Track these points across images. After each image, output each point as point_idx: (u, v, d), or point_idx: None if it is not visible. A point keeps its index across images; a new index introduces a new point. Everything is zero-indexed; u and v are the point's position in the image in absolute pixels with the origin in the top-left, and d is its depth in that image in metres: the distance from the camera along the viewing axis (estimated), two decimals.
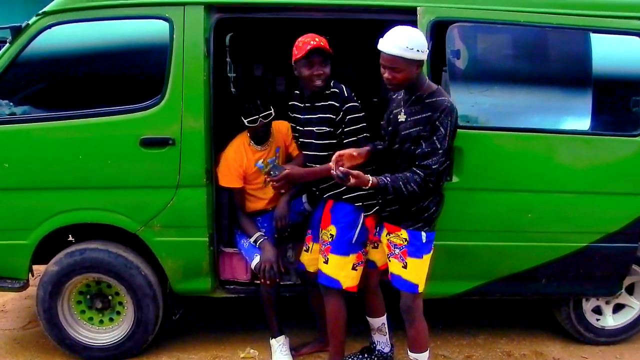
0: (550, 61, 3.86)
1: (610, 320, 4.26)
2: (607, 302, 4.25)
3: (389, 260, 3.36)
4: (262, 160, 3.80)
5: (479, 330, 4.46)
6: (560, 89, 3.80)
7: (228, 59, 5.52)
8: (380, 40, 3.05)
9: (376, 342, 3.88)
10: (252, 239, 3.75)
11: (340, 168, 3.04)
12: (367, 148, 3.31)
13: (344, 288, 3.52)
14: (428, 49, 3.08)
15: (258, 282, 3.85)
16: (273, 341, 3.93)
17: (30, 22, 3.59)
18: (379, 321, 3.81)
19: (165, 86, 3.57)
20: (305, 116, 3.56)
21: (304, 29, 3.62)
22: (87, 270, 3.78)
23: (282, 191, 3.68)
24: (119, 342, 3.89)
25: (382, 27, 3.46)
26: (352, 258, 3.50)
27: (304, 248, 3.76)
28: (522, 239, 3.83)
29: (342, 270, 3.49)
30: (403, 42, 2.98)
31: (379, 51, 3.07)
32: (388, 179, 3.09)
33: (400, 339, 3.98)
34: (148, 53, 3.72)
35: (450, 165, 3.43)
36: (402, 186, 3.06)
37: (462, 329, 4.48)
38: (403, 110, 3.19)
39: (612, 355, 4.17)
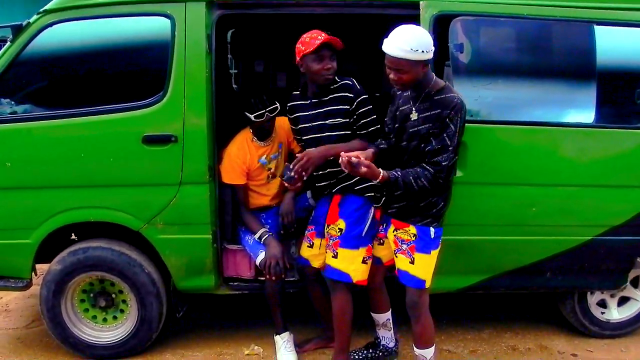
0: (553, 54, 3.83)
1: (616, 313, 4.25)
2: (612, 295, 4.24)
3: (396, 256, 3.35)
4: (265, 156, 3.80)
5: (483, 325, 4.45)
6: (564, 82, 3.78)
7: (230, 56, 5.51)
8: (385, 41, 3.02)
9: (381, 337, 3.87)
10: (256, 236, 3.75)
11: (353, 158, 3.02)
12: (371, 150, 3.28)
13: (354, 282, 3.51)
14: (433, 46, 3.05)
15: (262, 278, 3.86)
16: (277, 337, 3.93)
17: (31, 20, 3.58)
18: (384, 317, 3.80)
19: (167, 83, 3.55)
20: (313, 112, 3.54)
21: (305, 24, 3.61)
22: (91, 268, 3.77)
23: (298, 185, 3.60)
24: (123, 340, 3.89)
25: (384, 22, 3.47)
26: (362, 251, 3.50)
27: (307, 244, 3.74)
28: (526, 232, 3.82)
29: (353, 264, 3.49)
30: (407, 44, 2.94)
31: (382, 48, 3.04)
32: (399, 173, 3.09)
33: (404, 334, 3.98)
34: (150, 50, 3.71)
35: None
36: (413, 181, 3.06)
37: (467, 323, 4.47)
38: (414, 108, 3.17)
39: (617, 348, 4.16)
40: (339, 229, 3.50)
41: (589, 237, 3.84)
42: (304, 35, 3.42)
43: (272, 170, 3.86)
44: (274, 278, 3.67)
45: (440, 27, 3.55)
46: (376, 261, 3.57)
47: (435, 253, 3.29)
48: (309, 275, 3.82)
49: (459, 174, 3.55)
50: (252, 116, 3.63)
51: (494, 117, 3.71)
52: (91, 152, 3.59)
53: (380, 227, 3.50)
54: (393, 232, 3.36)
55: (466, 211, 3.67)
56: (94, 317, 3.92)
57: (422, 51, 2.96)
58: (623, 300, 4.28)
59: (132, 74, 3.75)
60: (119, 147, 3.60)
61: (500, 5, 3.58)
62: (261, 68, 5.73)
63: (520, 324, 4.48)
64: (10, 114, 3.66)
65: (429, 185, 3.07)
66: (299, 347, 3.99)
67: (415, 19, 3.49)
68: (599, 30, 3.65)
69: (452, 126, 3.04)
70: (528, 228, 3.81)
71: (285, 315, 3.91)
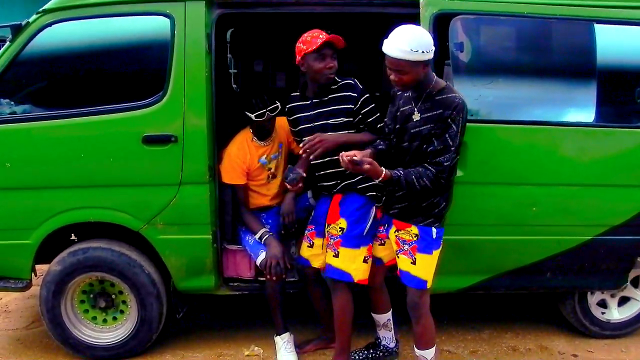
0: (554, 53, 3.83)
1: (616, 314, 4.25)
2: (613, 295, 4.23)
3: (398, 257, 3.34)
4: (265, 156, 3.79)
5: (483, 325, 4.44)
6: (565, 81, 3.77)
7: (229, 55, 5.50)
8: (385, 42, 3.01)
9: (381, 338, 3.87)
10: (257, 236, 3.74)
11: (354, 157, 3.02)
12: (369, 151, 3.26)
13: (355, 281, 3.51)
14: (434, 46, 3.04)
15: (262, 279, 3.85)
16: (277, 338, 3.92)
17: (30, 20, 3.57)
18: (385, 317, 3.80)
19: (167, 83, 3.55)
20: (315, 111, 3.54)
21: (304, 23, 3.61)
22: (90, 269, 3.76)
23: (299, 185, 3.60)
24: (123, 341, 3.87)
25: (384, 21, 3.46)
26: (363, 250, 3.50)
27: (307, 244, 3.73)
28: (526, 232, 3.81)
29: (354, 263, 3.48)
30: (407, 45, 2.93)
31: (382, 48, 3.03)
32: (401, 172, 3.09)
33: (404, 335, 3.97)
34: (149, 50, 3.70)
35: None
36: (415, 180, 3.05)
37: (467, 323, 4.46)
38: (416, 109, 3.16)
39: (617, 348, 4.15)
40: (340, 228, 3.49)
41: (590, 237, 3.83)
42: (305, 35, 3.41)
43: (272, 170, 3.86)
44: (274, 278, 3.66)
45: (440, 25, 3.54)
46: (377, 262, 3.57)
47: (436, 253, 3.29)
48: (308, 275, 3.82)
49: (459, 173, 3.53)
50: (252, 115, 3.63)
51: (495, 117, 3.71)
52: (91, 152, 3.59)
53: (382, 228, 3.49)
54: (395, 232, 3.35)
55: (466, 211, 3.66)
56: (94, 317, 3.91)
57: (423, 51, 2.95)
58: (623, 300, 4.28)
59: (131, 73, 3.74)
60: (119, 147, 3.59)
61: (501, 4, 3.57)
62: (260, 68, 5.72)
63: (520, 324, 4.47)
64: (9, 114, 3.65)
65: (431, 185, 3.06)
66: (299, 347, 3.98)
67: (415, 18, 3.50)
68: (599, 28, 3.64)
69: (454, 126, 3.04)
70: (528, 228, 3.80)
71: (285, 315, 3.90)
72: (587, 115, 3.71)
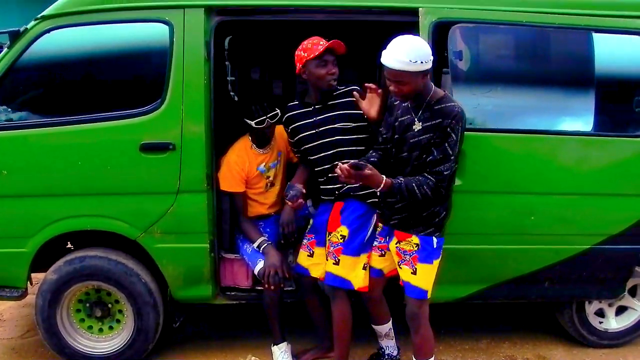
0: (552, 62, 3.84)
1: (613, 323, 4.24)
2: (610, 305, 4.23)
3: (400, 268, 3.33)
4: (264, 164, 3.79)
5: (481, 335, 4.43)
6: (563, 90, 3.78)
7: (227, 62, 5.49)
8: (383, 53, 3.01)
9: (384, 347, 3.85)
10: (255, 244, 3.73)
11: (355, 162, 3.03)
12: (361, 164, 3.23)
13: (356, 288, 3.50)
14: (432, 56, 3.04)
15: (259, 288, 3.84)
16: (275, 348, 3.89)
17: (28, 26, 3.56)
18: (386, 327, 3.79)
19: (166, 90, 3.53)
20: (319, 117, 3.55)
21: (302, 31, 3.61)
22: (87, 278, 3.73)
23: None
24: (119, 351, 3.84)
25: (382, 29, 3.46)
26: (363, 258, 3.50)
27: (307, 253, 3.72)
28: (525, 241, 3.80)
29: (354, 271, 3.48)
30: (406, 56, 2.93)
31: (381, 61, 3.04)
32: (401, 180, 3.08)
33: (402, 344, 3.94)
34: (148, 57, 3.69)
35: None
36: (416, 188, 3.05)
37: (465, 333, 4.45)
38: (416, 119, 3.16)
39: (615, 358, 4.15)
40: (341, 235, 3.48)
41: (587, 246, 3.82)
42: (304, 42, 3.42)
43: (270, 179, 3.85)
44: (272, 287, 3.64)
45: (440, 34, 3.55)
46: (377, 273, 3.55)
47: (436, 263, 3.28)
48: (306, 284, 3.80)
49: (458, 182, 3.53)
50: (253, 123, 3.62)
51: (493, 125, 3.70)
52: (88, 160, 3.57)
53: (382, 239, 3.48)
54: (396, 244, 3.34)
55: (465, 220, 3.65)
56: (90, 327, 3.88)
57: (422, 62, 2.96)
58: (621, 310, 4.27)
59: (130, 81, 3.73)
60: (116, 155, 3.57)
61: (500, 13, 3.57)
62: (257, 75, 5.72)
63: (518, 333, 4.46)
64: (6, 121, 3.62)
65: (431, 193, 3.06)
66: (296, 357, 3.96)
67: (414, 26, 3.49)
68: (597, 37, 3.65)
69: (453, 135, 3.04)
70: (527, 237, 3.80)
71: (283, 325, 3.88)
72: (586, 124, 3.71)
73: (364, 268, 3.51)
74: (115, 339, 3.87)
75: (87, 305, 3.85)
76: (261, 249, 3.70)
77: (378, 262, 3.53)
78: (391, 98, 3.32)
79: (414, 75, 2.98)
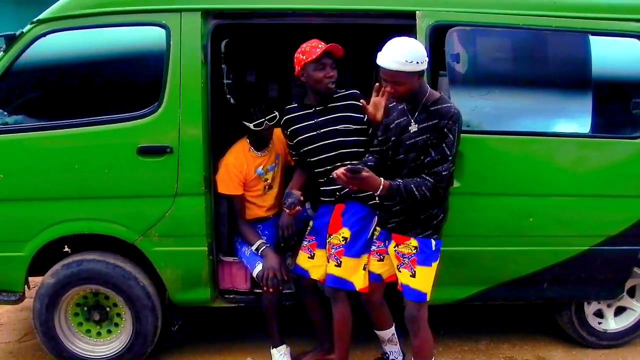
0: (549, 64, 3.85)
1: (613, 324, 4.24)
2: (609, 305, 4.23)
3: (399, 271, 3.33)
4: (262, 166, 3.78)
5: (480, 336, 4.43)
6: (560, 92, 3.79)
7: (223, 66, 5.49)
8: (379, 55, 3.04)
9: (389, 352, 3.84)
10: (253, 247, 3.72)
11: (351, 166, 3.03)
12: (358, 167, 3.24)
13: (358, 289, 3.50)
14: (427, 57, 3.06)
15: (258, 290, 3.83)
16: (274, 351, 3.89)
17: (24, 30, 3.54)
18: (389, 332, 3.77)
19: (163, 94, 3.52)
20: (321, 118, 3.55)
21: (298, 34, 3.60)
22: (85, 281, 3.72)
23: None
24: (118, 354, 3.83)
25: (379, 32, 3.46)
26: (363, 259, 3.51)
27: (307, 255, 3.71)
28: (523, 243, 3.80)
29: (356, 272, 3.49)
30: (401, 56, 2.96)
31: (377, 62, 3.05)
32: (399, 182, 3.09)
33: (402, 345, 3.94)
34: (145, 60, 3.68)
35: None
36: (415, 189, 3.05)
37: (464, 335, 4.44)
38: (413, 120, 3.16)
39: (615, 358, 4.15)
40: (343, 237, 3.49)
41: (586, 247, 3.82)
42: (304, 45, 3.43)
43: (268, 182, 3.85)
44: (271, 290, 3.64)
45: (437, 37, 3.55)
46: (376, 278, 3.54)
47: (435, 265, 3.28)
48: (305, 286, 3.79)
49: (456, 184, 3.54)
50: (251, 125, 3.62)
51: (491, 127, 3.70)
52: (85, 164, 3.56)
53: (380, 243, 3.48)
54: (394, 247, 3.34)
55: (463, 222, 3.65)
56: (88, 330, 3.87)
57: (417, 62, 2.99)
58: (620, 310, 4.28)
59: (126, 84, 3.72)
60: (114, 158, 3.56)
61: (496, 16, 3.58)
62: (253, 78, 5.72)
63: (517, 335, 4.46)
64: (2, 124, 3.62)
65: (430, 194, 3.06)
66: (296, 359, 3.95)
67: (411, 29, 3.49)
68: (594, 40, 3.65)
69: (450, 136, 3.05)
70: (525, 238, 3.80)
71: (281, 327, 3.88)
72: (583, 126, 3.71)
73: (364, 269, 3.52)
74: (114, 343, 3.87)
75: (85, 308, 3.84)
76: (260, 252, 3.69)
77: (377, 266, 3.52)
78: (387, 100, 3.33)
79: (410, 75, 3.01)
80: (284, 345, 3.89)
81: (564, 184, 3.73)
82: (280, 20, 3.67)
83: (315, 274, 3.68)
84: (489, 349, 4.28)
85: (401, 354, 3.86)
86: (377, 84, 3.32)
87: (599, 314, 4.24)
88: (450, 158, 3.07)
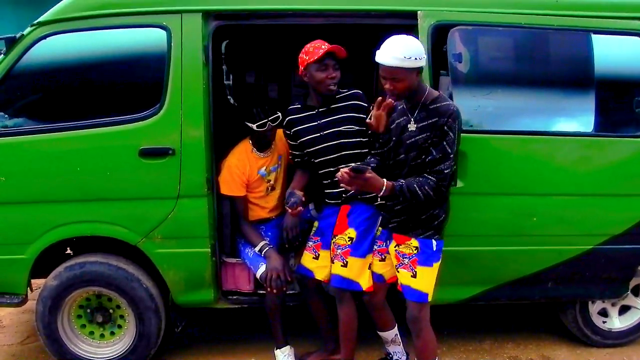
0: (552, 63, 3.83)
1: (617, 322, 4.24)
2: (613, 304, 4.22)
3: (398, 271, 3.32)
4: (264, 167, 3.77)
5: (484, 336, 4.42)
6: (563, 91, 3.78)
7: (224, 67, 5.48)
8: (377, 52, 3.05)
9: (392, 353, 3.83)
10: (257, 248, 3.71)
11: (354, 166, 3.04)
12: (361, 167, 3.24)
13: (364, 289, 3.51)
14: (425, 54, 3.07)
15: (261, 292, 3.83)
16: (278, 352, 3.88)
17: (25, 32, 3.54)
18: (392, 333, 3.76)
19: (164, 95, 3.52)
20: (324, 119, 3.55)
21: (300, 35, 3.60)
22: (87, 284, 3.71)
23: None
24: (121, 356, 3.83)
25: (380, 33, 3.45)
26: (368, 259, 3.52)
27: (312, 255, 3.70)
28: (527, 242, 3.80)
29: (362, 272, 3.50)
30: (400, 53, 2.98)
31: (376, 60, 3.06)
32: (402, 182, 3.09)
33: (404, 345, 3.93)
34: (146, 62, 3.67)
35: (455, 170, 3.40)
36: (418, 189, 3.05)
37: (468, 334, 4.44)
38: (412, 119, 3.16)
39: (619, 357, 4.15)
40: (349, 238, 3.49)
41: (590, 247, 3.82)
42: (307, 45, 3.43)
43: (271, 183, 3.84)
44: (275, 291, 3.63)
45: (438, 37, 3.54)
46: (378, 278, 3.54)
47: (437, 266, 3.27)
48: (309, 286, 3.79)
49: (459, 184, 3.54)
50: (254, 126, 3.61)
51: (494, 127, 3.69)
52: (87, 166, 3.55)
53: (381, 243, 3.48)
54: (395, 247, 3.33)
55: (467, 222, 3.65)
56: (91, 332, 3.87)
57: (416, 58, 3.00)
58: (624, 309, 4.27)
59: (128, 86, 3.71)
60: (116, 161, 3.55)
61: (498, 15, 3.58)
62: (252, 79, 5.71)
63: (521, 334, 4.45)
64: (4, 127, 3.61)
65: (433, 193, 3.06)
66: None
67: (412, 29, 3.49)
68: (596, 39, 3.64)
69: (451, 134, 3.06)
70: (529, 238, 3.79)
71: (285, 328, 3.87)
72: (586, 125, 3.70)
73: (369, 268, 3.52)
74: (117, 344, 3.86)
75: (88, 311, 3.84)
76: (263, 253, 3.68)
77: (379, 267, 3.52)
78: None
79: (409, 72, 3.02)
80: (288, 346, 3.88)
81: (568, 183, 3.73)
82: (281, 21, 3.66)
83: (320, 274, 3.67)
84: (493, 348, 4.27)
85: (405, 354, 3.85)
86: (379, 97, 3.32)
87: (604, 313, 4.24)
88: (451, 156, 3.07)
